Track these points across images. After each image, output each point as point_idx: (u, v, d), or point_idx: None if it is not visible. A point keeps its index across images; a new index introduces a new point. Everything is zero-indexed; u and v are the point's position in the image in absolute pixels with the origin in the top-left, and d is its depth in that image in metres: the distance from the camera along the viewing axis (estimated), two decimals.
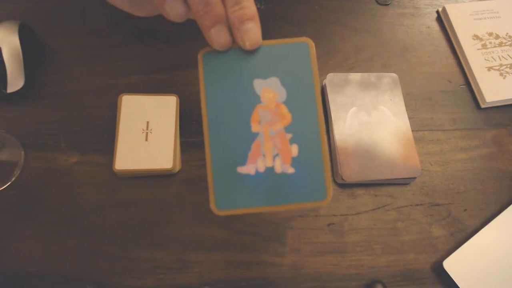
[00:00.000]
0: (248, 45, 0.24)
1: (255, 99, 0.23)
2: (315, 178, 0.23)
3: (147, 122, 0.43)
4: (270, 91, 0.24)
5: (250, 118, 0.23)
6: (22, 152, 0.43)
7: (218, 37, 0.23)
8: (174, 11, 0.23)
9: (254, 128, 0.23)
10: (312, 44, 0.25)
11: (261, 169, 0.23)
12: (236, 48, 0.24)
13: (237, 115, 0.23)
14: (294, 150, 0.23)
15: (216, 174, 0.23)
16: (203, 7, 0.22)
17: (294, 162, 0.23)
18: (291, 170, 0.23)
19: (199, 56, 0.25)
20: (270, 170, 0.23)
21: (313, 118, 0.23)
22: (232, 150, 0.23)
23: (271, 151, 0.23)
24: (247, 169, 0.23)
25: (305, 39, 0.25)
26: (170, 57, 0.49)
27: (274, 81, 0.24)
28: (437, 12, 0.57)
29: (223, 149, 0.23)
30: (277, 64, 0.24)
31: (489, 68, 0.51)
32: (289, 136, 0.23)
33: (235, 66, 0.24)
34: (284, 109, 0.24)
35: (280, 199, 0.23)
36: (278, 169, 0.23)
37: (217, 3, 0.22)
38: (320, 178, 0.23)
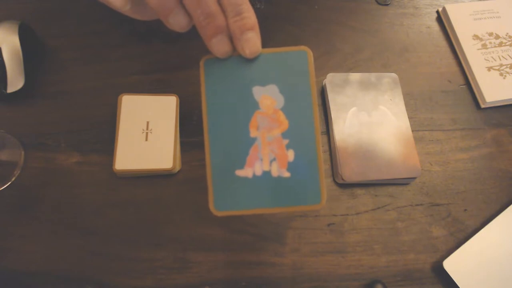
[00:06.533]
0: (248, 53, 0.24)
1: (254, 106, 0.24)
2: (310, 183, 0.24)
3: (147, 122, 0.43)
4: (268, 98, 0.24)
5: (249, 123, 0.24)
6: (22, 152, 0.43)
7: (219, 46, 0.23)
8: (178, 23, 0.24)
9: (253, 133, 0.24)
10: (310, 52, 0.25)
11: (258, 172, 0.24)
12: (236, 56, 0.25)
13: (236, 121, 0.24)
14: (290, 155, 0.24)
15: (215, 176, 0.24)
16: (204, 18, 0.22)
17: (290, 166, 0.24)
18: (287, 174, 0.24)
19: (201, 63, 0.25)
20: (267, 173, 0.24)
21: (309, 124, 0.24)
22: (231, 154, 0.24)
23: (268, 155, 0.24)
24: (245, 172, 0.24)
25: (303, 48, 0.25)
26: (170, 57, 0.49)
27: (273, 88, 0.24)
28: (437, 12, 0.57)
29: (222, 153, 0.24)
30: (275, 72, 0.25)
31: (489, 68, 0.51)
32: (285, 141, 0.24)
33: (235, 73, 0.25)
34: (282, 116, 0.24)
35: (276, 201, 0.24)
36: (275, 173, 0.24)
37: (218, 14, 0.23)
38: (315, 182, 0.24)
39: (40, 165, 0.42)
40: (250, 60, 0.25)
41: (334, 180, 0.44)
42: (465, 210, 0.44)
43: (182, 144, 0.44)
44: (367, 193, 0.44)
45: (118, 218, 0.41)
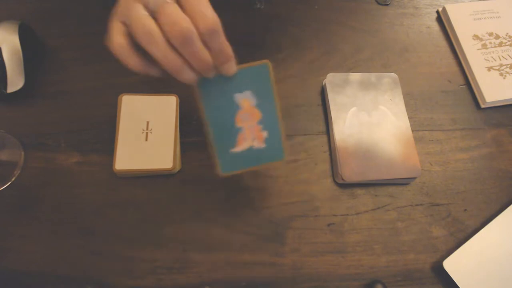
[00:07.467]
0: (228, 74, 0.33)
1: (237, 107, 0.35)
2: (277, 149, 0.37)
3: (147, 122, 0.43)
4: (246, 100, 0.35)
5: (235, 119, 0.35)
6: (22, 152, 0.43)
7: (209, 74, 0.32)
8: (188, 78, 0.31)
9: (239, 124, 0.36)
10: (270, 64, 0.34)
11: (246, 147, 0.36)
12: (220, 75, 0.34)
13: (226, 119, 0.35)
14: (265, 134, 0.36)
15: (219, 153, 0.36)
16: (204, 66, 0.30)
17: (265, 141, 0.37)
18: (263, 145, 0.37)
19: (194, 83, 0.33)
20: (251, 147, 0.36)
21: (274, 113, 0.36)
22: (227, 139, 0.36)
23: (250, 136, 0.36)
24: (237, 149, 0.36)
25: (265, 61, 0.34)
26: None
27: (248, 93, 0.35)
28: (437, 12, 0.57)
29: (221, 139, 0.36)
30: (248, 81, 0.34)
31: (489, 68, 0.51)
32: (260, 126, 0.36)
33: (221, 86, 0.34)
34: (256, 110, 0.36)
35: (258, 161, 0.37)
36: (256, 146, 0.37)
37: (206, 55, 0.30)
38: (280, 148, 0.37)
39: (40, 165, 0.42)
40: (230, 76, 0.34)
41: (334, 180, 0.44)
42: (465, 210, 0.44)
43: (182, 144, 0.44)
44: (367, 193, 0.44)
45: (118, 218, 0.41)
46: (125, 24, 0.30)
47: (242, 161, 0.37)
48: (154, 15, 0.29)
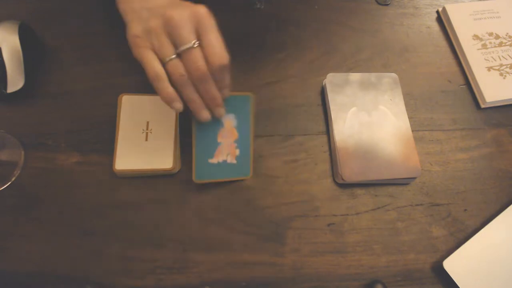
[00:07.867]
0: (223, 97, 0.39)
1: (221, 125, 0.42)
2: (245, 166, 0.43)
3: (147, 122, 0.43)
4: (229, 121, 0.42)
5: (218, 134, 0.42)
6: (22, 152, 0.43)
7: (217, 107, 0.39)
8: (206, 118, 0.38)
9: (219, 140, 0.42)
10: (253, 96, 0.42)
11: (220, 160, 0.42)
12: None
13: (210, 133, 0.41)
14: (237, 151, 0.43)
15: (197, 162, 0.41)
16: (209, 95, 0.37)
17: (237, 158, 0.43)
18: (234, 161, 0.43)
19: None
20: (224, 161, 0.42)
21: (248, 136, 0.43)
22: (207, 151, 0.42)
23: (226, 152, 0.42)
24: (213, 160, 0.42)
25: (248, 93, 0.42)
26: None
27: (231, 116, 0.42)
28: (437, 12, 0.57)
29: (202, 150, 0.41)
30: (233, 106, 0.41)
31: (489, 68, 0.51)
32: (235, 144, 0.43)
33: None
34: (235, 131, 0.42)
35: (228, 175, 0.43)
36: (228, 160, 0.43)
37: (216, 90, 0.37)
38: (248, 166, 0.44)
39: (40, 165, 0.42)
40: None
41: (334, 180, 0.44)
42: (465, 210, 0.44)
43: (182, 144, 0.44)
44: (367, 193, 0.44)
45: (118, 218, 0.41)
46: (156, 53, 0.34)
47: (215, 172, 0.42)
48: (181, 55, 0.34)
